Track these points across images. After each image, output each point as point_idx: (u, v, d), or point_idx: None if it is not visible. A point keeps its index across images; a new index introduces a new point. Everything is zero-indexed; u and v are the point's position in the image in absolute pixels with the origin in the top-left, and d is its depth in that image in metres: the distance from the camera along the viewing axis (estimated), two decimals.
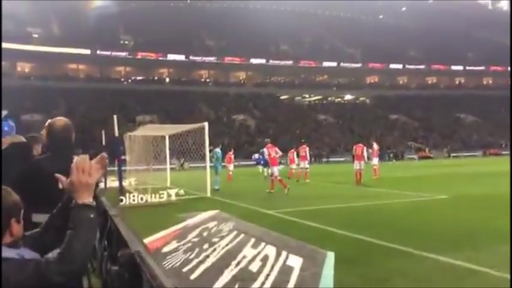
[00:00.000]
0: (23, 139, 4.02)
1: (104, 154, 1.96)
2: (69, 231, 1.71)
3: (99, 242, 4.73)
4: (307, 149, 22.08)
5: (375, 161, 21.98)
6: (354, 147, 19.96)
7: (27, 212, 1.91)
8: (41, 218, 2.75)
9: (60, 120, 3.09)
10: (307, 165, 21.26)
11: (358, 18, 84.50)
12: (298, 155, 22.71)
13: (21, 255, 1.70)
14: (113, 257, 3.16)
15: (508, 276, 4.89)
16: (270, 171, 16.19)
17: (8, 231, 1.72)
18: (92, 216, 1.76)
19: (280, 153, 16.19)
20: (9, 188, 1.80)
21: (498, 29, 76.90)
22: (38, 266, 1.62)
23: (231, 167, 23.29)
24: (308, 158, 21.82)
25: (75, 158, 3.13)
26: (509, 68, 73.30)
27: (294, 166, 22.71)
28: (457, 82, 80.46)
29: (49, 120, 3.14)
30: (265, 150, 16.52)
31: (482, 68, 77.78)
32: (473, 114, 68.90)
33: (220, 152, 18.09)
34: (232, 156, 23.99)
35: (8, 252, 1.66)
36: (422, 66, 75.89)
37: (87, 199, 1.78)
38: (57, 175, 1.90)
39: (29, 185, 2.73)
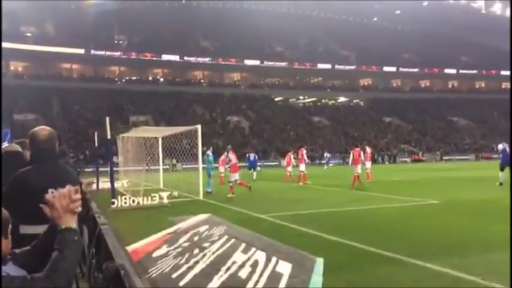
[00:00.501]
0: (18, 148, 4.01)
1: (75, 188, 1.97)
2: (54, 252, 1.76)
3: (88, 248, 4.75)
4: (305, 151, 22.26)
5: (368, 164, 22.07)
6: (351, 151, 20.29)
7: (14, 224, 1.93)
8: (28, 229, 2.77)
9: (44, 130, 3.04)
10: (303, 168, 21.36)
11: (353, 20, 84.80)
12: (295, 158, 22.93)
13: (6, 272, 1.72)
14: (100, 265, 3.19)
15: (495, 285, 4.94)
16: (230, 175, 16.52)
17: None
18: (76, 238, 1.82)
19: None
20: None
21: (491, 33, 77.51)
22: (23, 283, 1.65)
23: (222, 169, 23.30)
24: (306, 160, 21.99)
25: (65, 169, 3.14)
26: (501, 72, 73.88)
27: (289, 169, 22.83)
28: (450, 85, 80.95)
29: (32, 131, 3.09)
30: (230, 155, 16.76)
31: (475, 71, 78.26)
32: (466, 117, 69.33)
33: (211, 154, 18.08)
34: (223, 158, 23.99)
35: None
36: (416, 69, 76.28)
37: (71, 223, 1.84)
38: (42, 205, 1.92)
39: (16, 197, 2.73)
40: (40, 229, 2.61)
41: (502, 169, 17.34)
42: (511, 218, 7.38)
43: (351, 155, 20.04)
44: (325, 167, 37.65)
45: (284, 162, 24.06)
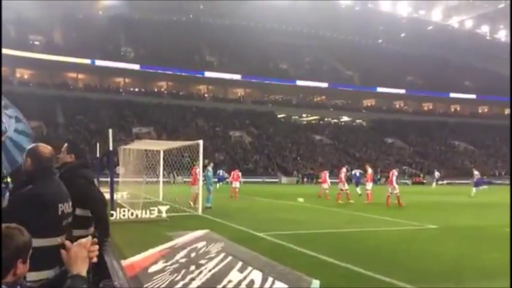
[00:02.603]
0: None
1: (93, 240, 2.08)
2: None
3: None
4: (345, 170, 22.72)
5: (368, 185, 22.12)
6: (389, 172, 21.86)
7: None
8: (34, 242, 2.83)
9: (46, 148, 3.06)
10: (342, 187, 21.69)
11: (358, 41, 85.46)
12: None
13: None
14: (97, 281, 3.23)
15: None
16: None
17: (12, 271, 1.78)
18: (84, 287, 1.87)
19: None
20: (22, 227, 1.87)
21: (495, 59, 77.98)
22: None
23: (237, 184, 23.57)
24: (345, 180, 22.20)
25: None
26: (504, 98, 74.11)
27: (325, 186, 23.67)
28: (453, 109, 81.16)
29: (34, 148, 3.07)
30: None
31: (478, 96, 78.48)
32: (468, 142, 69.34)
33: (211, 170, 18.12)
34: (240, 174, 24.82)
35: None
36: (419, 92, 76.53)
37: (81, 271, 1.90)
38: (62, 251, 1.97)
39: (26, 212, 2.76)
40: (43, 242, 2.67)
41: (356, 186, 25.04)
42: (511, 227, 7.39)
43: (389, 175, 21.08)
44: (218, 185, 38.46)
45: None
